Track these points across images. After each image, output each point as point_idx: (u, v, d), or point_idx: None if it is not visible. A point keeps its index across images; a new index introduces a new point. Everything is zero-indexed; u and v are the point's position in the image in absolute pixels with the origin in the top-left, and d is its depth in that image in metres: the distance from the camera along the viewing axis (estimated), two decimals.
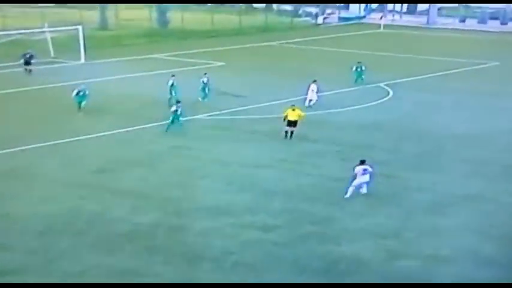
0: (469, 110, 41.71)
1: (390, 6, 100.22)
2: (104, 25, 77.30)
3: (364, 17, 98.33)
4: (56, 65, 55.97)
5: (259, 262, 21.29)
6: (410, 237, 23.28)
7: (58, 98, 43.14)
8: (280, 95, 44.03)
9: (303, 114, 34.55)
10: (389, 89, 46.96)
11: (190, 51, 64.15)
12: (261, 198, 26.49)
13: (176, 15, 77.74)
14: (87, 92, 39.18)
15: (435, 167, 30.64)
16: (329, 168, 30.11)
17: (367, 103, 42.89)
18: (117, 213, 24.92)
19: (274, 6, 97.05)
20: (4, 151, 32.10)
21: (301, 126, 34.43)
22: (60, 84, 47.38)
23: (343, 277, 20.48)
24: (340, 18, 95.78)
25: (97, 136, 34.97)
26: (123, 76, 51.48)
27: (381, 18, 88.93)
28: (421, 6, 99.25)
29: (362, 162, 26.69)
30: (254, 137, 35.23)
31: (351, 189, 26.46)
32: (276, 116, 38.82)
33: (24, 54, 52.61)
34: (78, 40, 58.31)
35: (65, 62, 57.14)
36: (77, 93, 39.03)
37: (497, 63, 59.30)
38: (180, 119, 35.27)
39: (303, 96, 41.76)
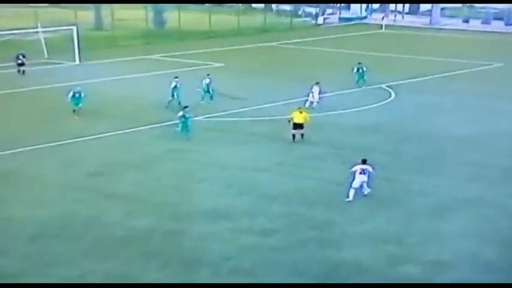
0: (471, 112, 41.81)
1: (392, 6, 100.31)
2: (98, 25, 77.37)
3: (365, 17, 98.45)
4: (50, 66, 56.08)
5: (258, 267, 21.37)
6: (411, 241, 23.39)
7: (53, 99, 43.24)
8: (279, 97, 44.16)
9: (309, 117, 34.67)
10: (391, 91, 47.08)
11: (188, 52, 64.24)
12: (259, 202, 26.58)
13: (173, 15, 77.79)
14: (82, 94, 39.29)
15: (436, 170, 30.75)
16: (329, 172, 30.22)
17: (368, 105, 43.01)
18: (113, 217, 25.02)
19: (274, 6, 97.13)
20: None
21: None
22: (54, 86, 47.50)
23: (343, 282, 20.59)
24: (341, 19, 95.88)
25: (93, 138, 35.07)
26: (119, 77, 51.59)
27: (383, 18, 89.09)
28: (424, 7, 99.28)
29: (363, 162, 26.93)
30: (253, 139, 35.33)
31: (352, 192, 26.62)
32: (275, 117, 39.00)
33: (17, 55, 52.74)
34: (72, 41, 58.42)
35: (59, 63, 57.24)
36: (73, 95, 39.12)
37: (501, 64, 59.40)
38: (189, 125, 34.86)
39: (303, 98, 41.88)
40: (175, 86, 41.06)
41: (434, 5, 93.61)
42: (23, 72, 52.38)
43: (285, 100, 43.29)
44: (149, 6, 78.88)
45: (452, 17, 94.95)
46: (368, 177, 26.81)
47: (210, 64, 57.02)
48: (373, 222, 24.87)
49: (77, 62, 57.58)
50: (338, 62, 60.12)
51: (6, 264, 21.47)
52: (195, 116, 37.14)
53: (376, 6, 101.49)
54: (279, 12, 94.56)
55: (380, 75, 50.32)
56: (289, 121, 34.44)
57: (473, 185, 28.86)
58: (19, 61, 52.36)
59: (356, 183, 26.70)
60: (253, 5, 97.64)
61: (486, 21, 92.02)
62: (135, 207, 25.95)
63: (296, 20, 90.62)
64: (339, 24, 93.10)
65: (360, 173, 26.67)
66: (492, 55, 63.56)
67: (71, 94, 39.19)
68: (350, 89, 47.48)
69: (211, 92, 42.64)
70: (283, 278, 20.80)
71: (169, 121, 37.73)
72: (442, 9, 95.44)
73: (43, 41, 60.32)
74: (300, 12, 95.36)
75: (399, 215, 25.58)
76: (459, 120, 39.86)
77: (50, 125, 37.74)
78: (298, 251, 22.44)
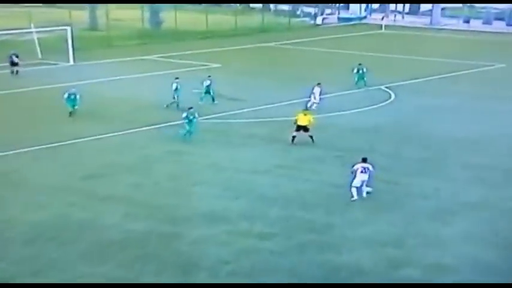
0: (473, 114, 41.87)
1: (392, 6, 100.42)
2: (93, 25, 77.39)
3: (365, 17, 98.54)
4: (44, 67, 56.10)
5: (256, 271, 21.41)
6: (412, 245, 23.45)
7: (47, 100, 43.30)
8: (277, 98, 44.24)
9: (313, 119, 34.78)
10: (391, 92, 47.16)
11: (185, 53, 64.31)
12: (257, 205, 26.63)
13: (169, 15, 77.83)
14: (78, 96, 39.30)
15: (437, 172, 30.82)
16: (329, 174, 30.28)
17: (368, 106, 43.09)
18: (109, 220, 25.04)
19: (272, 6, 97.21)
20: None
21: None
22: (49, 86, 47.60)
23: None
24: (340, 19, 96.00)
25: (88, 140, 35.11)
26: (114, 78, 51.62)
27: (383, 18, 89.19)
28: (424, 7, 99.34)
29: (364, 160, 27.12)
30: (251, 141, 35.39)
31: (354, 190, 26.80)
32: (273, 119, 39.08)
33: (10, 55, 52.78)
34: (66, 41, 58.45)
35: (53, 64, 57.27)
36: (68, 97, 39.13)
37: (503, 65, 59.51)
38: (194, 126, 34.86)
39: (301, 99, 41.97)
40: (176, 88, 41.12)
41: (435, 5, 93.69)
42: (17, 72, 52.41)
43: (283, 101, 43.39)
44: (145, 6, 78.94)
45: (452, 17, 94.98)
46: (369, 176, 26.95)
47: (207, 65, 57.09)
48: (373, 225, 24.93)
49: (71, 62, 57.61)
50: (337, 63, 60.23)
51: (1, 268, 21.47)
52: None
53: (375, 6, 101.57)
54: (277, 12, 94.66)
55: (380, 76, 50.38)
56: (294, 123, 34.54)
57: (475, 187, 28.94)
58: (12, 61, 52.33)
59: (357, 182, 26.84)
60: (251, 5, 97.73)
61: (487, 22, 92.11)
62: (132, 210, 25.99)
63: (294, 20, 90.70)
64: (338, 24, 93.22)
65: (361, 171, 26.80)
66: (494, 56, 63.63)
67: (66, 95, 39.22)
68: (349, 90, 47.55)
69: (212, 93, 42.71)
70: (282, 281, 20.83)
71: (166, 122, 37.85)
72: (442, 9, 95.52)
73: (36, 41, 60.35)
74: (298, 12, 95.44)
75: (400, 218, 25.64)
76: (460, 122, 39.95)
77: (45, 127, 37.76)
78: (297, 255, 22.48)
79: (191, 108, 35.38)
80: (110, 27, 73.09)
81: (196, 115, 35.23)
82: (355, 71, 49.00)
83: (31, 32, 61.27)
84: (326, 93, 43.74)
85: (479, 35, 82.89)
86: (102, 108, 41.49)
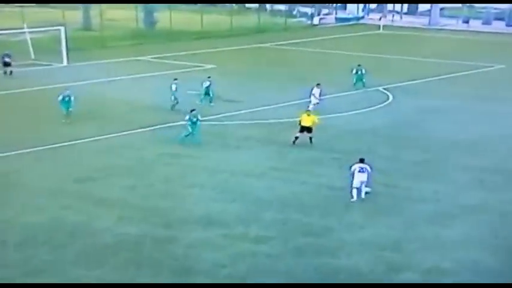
0: (472, 116, 41.91)
1: (390, 6, 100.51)
2: (87, 26, 77.29)
3: (362, 17, 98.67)
4: (37, 68, 56.01)
5: (252, 275, 21.42)
6: (411, 249, 23.46)
7: (41, 102, 43.24)
8: (274, 100, 44.25)
9: (317, 120, 34.82)
10: (388, 93, 47.20)
11: (179, 54, 64.32)
12: (253, 208, 26.62)
13: (164, 15, 77.84)
14: (72, 98, 39.18)
15: (436, 175, 30.84)
16: (326, 176, 30.27)
17: (365, 108, 43.11)
18: (103, 223, 25.00)
19: (268, 6, 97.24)
20: None
21: (295, 132, 34.59)
22: (42, 87, 47.58)
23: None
24: (337, 19, 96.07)
25: (82, 142, 35.08)
26: (108, 79, 51.57)
27: (380, 19, 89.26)
28: (423, 7, 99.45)
29: (361, 161, 27.27)
30: (247, 143, 35.39)
31: (354, 191, 26.98)
32: (269, 121, 39.09)
33: (3, 55, 52.71)
34: (60, 41, 58.40)
35: (47, 65, 57.21)
36: (62, 99, 39.02)
37: (502, 66, 59.63)
38: (197, 129, 34.76)
39: (298, 101, 41.99)
40: (176, 89, 41.09)
41: (434, 5, 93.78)
42: (10, 73, 52.33)
43: (280, 103, 43.41)
44: (139, 6, 78.88)
45: (452, 17, 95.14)
46: (367, 176, 27.02)
47: (202, 66, 57.11)
48: (371, 228, 24.94)
49: (65, 63, 57.57)
50: (334, 64, 60.31)
51: None
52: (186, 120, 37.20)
53: (373, 6, 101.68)
54: (273, 12, 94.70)
55: (377, 77, 50.42)
56: (298, 123, 34.59)
57: (474, 190, 28.97)
58: (5, 61, 52.26)
59: (356, 183, 26.94)
60: (247, 5, 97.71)
61: (487, 22, 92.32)
62: (126, 213, 25.96)
63: (291, 20, 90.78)
64: (335, 24, 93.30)
65: (359, 171, 26.90)
66: (493, 56, 63.77)
67: (60, 98, 39.09)
68: (347, 91, 47.59)
69: (211, 95, 42.72)
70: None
71: (161, 124, 37.87)
72: (441, 9, 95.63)
73: (29, 41, 60.28)
74: (294, 12, 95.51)
75: (398, 221, 25.65)
76: (459, 123, 39.99)
77: (38, 129, 37.69)
78: (293, 259, 22.48)
79: (194, 110, 35.28)
80: (104, 28, 73.07)
81: (199, 117, 35.20)
82: (354, 71, 49.03)
83: (24, 32, 61.18)
84: (323, 95, 43.70)
85: (479, 36, 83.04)
86: (97, 110, 41.44)
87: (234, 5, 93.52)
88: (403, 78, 52.52)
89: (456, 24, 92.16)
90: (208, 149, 34.17)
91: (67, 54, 58.09)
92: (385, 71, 55.58)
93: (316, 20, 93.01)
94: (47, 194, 27.95)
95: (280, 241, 23.75)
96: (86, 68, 56.24)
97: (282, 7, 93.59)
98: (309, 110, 36.14)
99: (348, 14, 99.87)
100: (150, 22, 78.78)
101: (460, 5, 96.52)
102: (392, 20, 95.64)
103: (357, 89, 48.14)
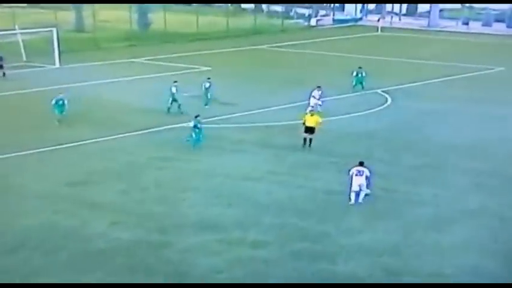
0: (471, 119, 41.95)
1: (389, 7, 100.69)
2: (80, 27, 77.17)
3: (360, 18, 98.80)
4: (29, 70, 55.96)
5: (249, 281, 21.43)
6: (410, 254, 23.52)
7: (33, 104, 43.24)
8: (270, 102, 44.31)
9: (321, 120, 34.93)
10: (387, 96, 47.28)
11: (174, 55, 64.35)
12: (250, 213, 26.65)
13: (158, 16, 77.83)
14: (66, 101, 39.16)
15: (435, 179, 30.89)
16: (323, 181, 30.31)
17: (363, 111, 43.18)
18: (96, 228, 25.00)
19: (264, 7, 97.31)
20: None
21: (293, 135, 34.68)
22: (34, 90, 47.54)
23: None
24: (335, 20, 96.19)
25: (75, 145, 35.04)
26: (101, 81, 51.57)
27: (379, 20, 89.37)
28: (422, 8, 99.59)
29: (360, 164, 27.44)
30: (243, 146, 35.41)
31: (353, 195, 27.10)
32: (265, 124, 39.13)
33: None
34: (52, 43, 58.38)
35: (39, 66, 57.19)
36: (56, 103, 38.99)
37: (502, 68, 59.75)
38: (201, 135, 34.83)
39: (295, 104, 42.02)
40: (176, 91, 41.08)
41: (433, 6, 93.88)
42: (4, 74, 52.28)
43: (276, 106, 43.47)
44: (133, 6, 78.77)
45: (451, 18, 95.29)
46: (366, 178, 27.11)
47: (197, 68, 57.13)
48: (369, 233, 24.99)
49: (57, 65, 57.54)
50: (332, 66, 60.37)
51: None
52: (180, 123, 37.23)
53: (371, 7, 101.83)
54: (270, 14, 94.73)
55: (376, 80, 50.45)
56: (303, 123, 34.80)
57: (473, 194, 29.04)
58: None
59: (354, 186, 27.06)
60: (243, 6, 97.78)
61: (487, 23, 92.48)
62: (119, 218, 25.96)
63: (288, 21, 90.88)
64: (333, 26, 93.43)
65: (356, 174, 27.01)
66: (493, 59, 63.86)
67: (53, 102, 39.04)
68: (345, 93, 47.64)
69: (209, 96, 42.79)
70: None
71: (155, 127, 37.88)
72: (440, 10, 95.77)
73: (21, 43, 60.25)
74: (291, 14, 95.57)
75: (397, 226, 25.70)
76: (458, 126, 40.07)
77: (31, 132, 37.62)
78: (290, 264, 22.52)
79: (198, 116, 35.33)
80: (97, 29, 73.09)
81: (203, 123, 35.22)
82: (355, 74, 49.05)
83: (15, 34, 61.15)
84: (324, 97, 43.77)
85: (479, 37, 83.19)
86: (90, 112, 41.41)
87: (229, 5, 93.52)
88: (402, 81, 52.60)
89: (456, 25, 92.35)
90: (203, 153, 34.16)
91: (59, 55, 58.06)
92: (384, 73, 55.61)
93: (313, 22, 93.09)
94: (38, 198, 27.93)
95: (278, 246, 23.79)
96: (78, 70, 56.20)
97: (278, 8, 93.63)
98: (312, 111, 36.25)
99: (346, 15, 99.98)
100: (144, 23, 78.69)
101: (459, 6, 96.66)
102: (391, 22, 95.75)
103: (355, 92, 48.19)
